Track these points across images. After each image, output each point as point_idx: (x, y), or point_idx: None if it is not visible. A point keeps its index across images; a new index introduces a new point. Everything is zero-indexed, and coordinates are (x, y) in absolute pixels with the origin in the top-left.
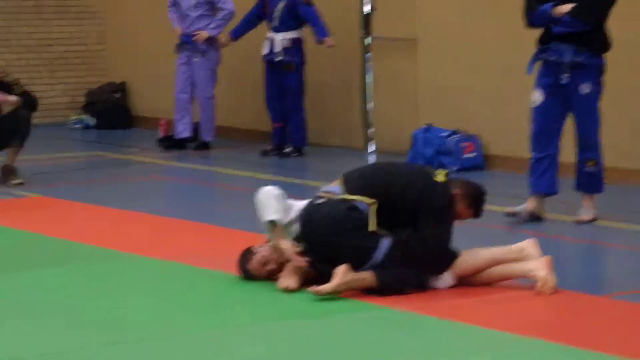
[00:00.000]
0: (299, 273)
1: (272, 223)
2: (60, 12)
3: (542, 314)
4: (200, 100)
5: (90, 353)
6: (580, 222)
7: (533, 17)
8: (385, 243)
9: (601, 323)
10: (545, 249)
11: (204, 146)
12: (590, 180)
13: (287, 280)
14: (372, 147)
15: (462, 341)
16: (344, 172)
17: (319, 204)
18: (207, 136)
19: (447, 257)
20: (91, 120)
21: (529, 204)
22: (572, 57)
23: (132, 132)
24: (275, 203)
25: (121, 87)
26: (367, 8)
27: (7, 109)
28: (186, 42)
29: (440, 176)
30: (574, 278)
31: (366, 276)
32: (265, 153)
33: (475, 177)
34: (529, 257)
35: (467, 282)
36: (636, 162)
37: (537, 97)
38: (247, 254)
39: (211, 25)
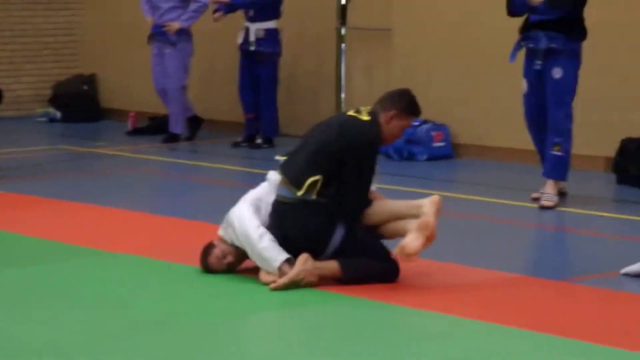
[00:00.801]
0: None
1: (289, 260)
2: (29, 3)
3: (504, 300)
4: (170, 92)
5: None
6: (542, 208)
7: (512, 6)
8: (340, 231)
9: (562, 307)
10: (506, 235)
11: (174, 138)
12: (554, 166)
13: (269, 276)
14: None
15: (430, 328)
16: (281, 166)
17: (282, 216)
18: (176, 128)
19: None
20: (57, 113)
21: (549, 187)
22: (547, 44)
23: (100, 124)
24: (268, 241)
25: (90, 79)
26: None
27: None
28: (157, 34)
29: (364, 114)
30: (534, 263)
31: (330, 266)
32: (236, 144)
33: (445, 166)
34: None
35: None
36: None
37: (524, 85)
38: (208, 248)
39: (183, 17)
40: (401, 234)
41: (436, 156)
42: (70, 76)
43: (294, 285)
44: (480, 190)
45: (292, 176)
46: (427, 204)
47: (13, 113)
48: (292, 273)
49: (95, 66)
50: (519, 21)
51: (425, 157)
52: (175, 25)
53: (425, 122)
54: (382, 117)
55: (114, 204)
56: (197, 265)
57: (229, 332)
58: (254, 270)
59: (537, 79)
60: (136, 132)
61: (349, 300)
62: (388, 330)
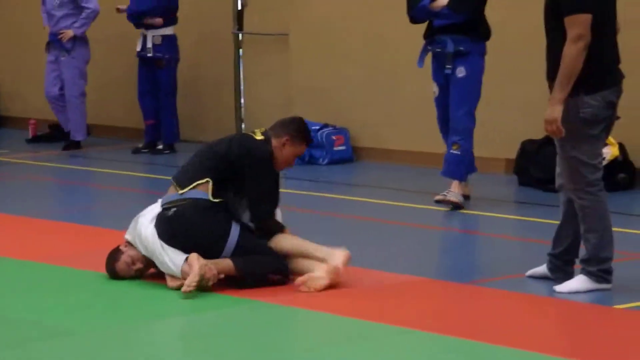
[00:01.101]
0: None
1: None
2: None
3: (411, 303)
4: (69, 99)
5: None
6: (446, 203)
7: (414, 13)
8: (235, 230)
9: (468, 310)
10: (410, 238)
11: (75, 145)
12: (452, 165)
13: (175, 281)
14: None
15: (333, 332)
16: (173, 176)
17: (170, 216)
18: (78, 135)
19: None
20: None
21: (453, 188)
22: (455, 47)
23: (0, 132)
24: (169, 249)
25: None
26: (239, 3)
27: None
28: (53, 41)
29: (258, 134)
30: (440, 266)
31: (224, 263)
32: (137, 150)
33: (345, 169)
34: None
35: None
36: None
37: (435, 88)
38: (114, 254)
39: (76, 24)
40: (305, 272)
41: (337, 160)
42: None
43: (202, 286)
44: (382, 194)
45: (181, 180)
46: (339, 255)
47: None
48: (194, 270)
49: None
50: (419, 25)
51: (326, 161)
52: (69, 32)
53: (325, 126)
54: (275, 142)
55: (15, 211)
56: (101, 271)
57: (136, 339)
58: (160, 276)
59: (447, 82)
60: (36, 139)
61: (254, 304)
62: (292, 333)
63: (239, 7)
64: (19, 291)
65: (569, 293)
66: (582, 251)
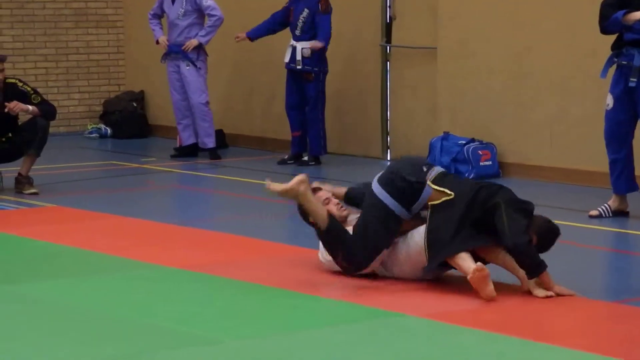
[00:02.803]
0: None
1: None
2: (78, 21)
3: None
4: (196, 108)
5: None
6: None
7: (606, 24)
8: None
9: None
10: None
11: (215, 154)
12: None
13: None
14: (389, 156)
15: (478, 348)
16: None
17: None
18: (209, 142)
19: None
20: (107, 130)
21: (612, 202)
22: None
23: (148, 141)
24: None
25: (139, 96)
26: (388, 16)
27: (24, 117)
28: (175, 52)
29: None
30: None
31: (318, 208)
32: (282, 162)
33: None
34: None
35: None
36: None
37: (609, 100)
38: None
39: (201, 33)
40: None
41: (483, 175)
42: (120, 93)
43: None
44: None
45: None
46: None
47: (65, 129)
48: (287, 186)
49: (142, 83)
50: (566, 39)
51: (472, 176)
52: (194, 42)
53: (472, 140)
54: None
55: (161, 218)
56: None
57: (279, 349)
58: (305, 285)
59: (628, 96)
60: (182, 149)
61: (402, 318)
62: (437, 348)
63: (388, 20)
64: (168, 297)
65: None
66: None
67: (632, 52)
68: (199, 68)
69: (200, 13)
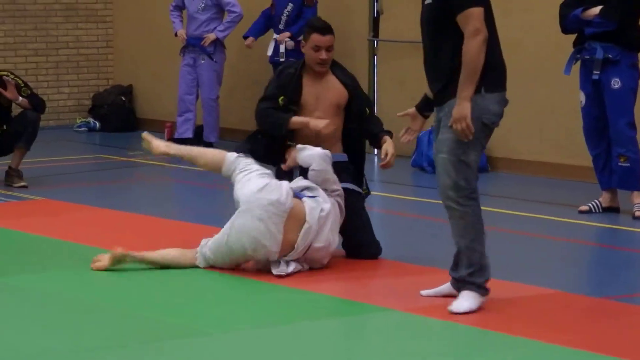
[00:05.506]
0: None
1: None
2: (68, 16)
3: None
4: (205, 102)
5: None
6: (635, 218)
7: (566, 22)
8: None
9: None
10: (550, 249)
11: (209, 147)
12: (622, 177)
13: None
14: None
15: (456, 341)
16: None
17: None
18: (211, 137)
19: None
20: (96, 123)
21: (603, 199)
22: (604, 54)
23: (137, 134)
24: None
25: (128, 90)
26: (375, 11)
27: (15, 110)
28: (193, 45)
29: None
30: (577, 280)
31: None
32: None
33: (479, 180)
34: None
35: None
36: None
37: (582, 97)
38: None
39: (220, 28)
40: None
41: None
42: (109, 87)
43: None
44: (517, 204)
45: None
46: None
47: (54, 123)
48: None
49: (131, 77)
50: (552, 31)
51: None
52: (212, 36)
53: None
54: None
55: (153, 212)
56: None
57: (260, 343)
58: (298, 281)
59: (595, 91)
60: (172, 141)
61: (386, 312)
62: (419, 342)
63: (375, 14)
64: (154, 289)
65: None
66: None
67: (594, 45)
68: (215, 61)
69: (219, 8)
